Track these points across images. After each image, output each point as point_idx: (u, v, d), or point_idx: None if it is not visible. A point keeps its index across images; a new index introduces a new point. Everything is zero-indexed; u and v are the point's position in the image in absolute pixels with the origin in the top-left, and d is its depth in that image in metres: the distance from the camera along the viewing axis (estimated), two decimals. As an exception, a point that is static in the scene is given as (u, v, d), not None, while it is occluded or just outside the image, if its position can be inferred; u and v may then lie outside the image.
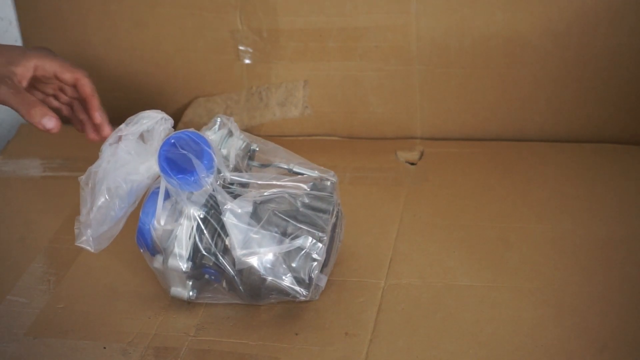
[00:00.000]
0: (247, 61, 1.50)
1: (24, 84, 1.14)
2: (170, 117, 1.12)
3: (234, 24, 1.48)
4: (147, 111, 1.12)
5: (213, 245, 1.11)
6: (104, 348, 1.12)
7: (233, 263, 1.10)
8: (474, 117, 1.47)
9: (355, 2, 1.43)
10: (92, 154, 1.12)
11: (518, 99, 1.44)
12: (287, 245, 1.09)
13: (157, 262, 1.13)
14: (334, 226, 1.14)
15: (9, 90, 1.11)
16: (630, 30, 1.37)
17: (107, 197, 1.09)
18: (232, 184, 1.12)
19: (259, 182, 1.12)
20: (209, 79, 1.53)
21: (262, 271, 1.09)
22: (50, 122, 1.11)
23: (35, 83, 1.19)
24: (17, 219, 1.36)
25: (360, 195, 1.35)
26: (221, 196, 1.09)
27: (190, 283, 1.14)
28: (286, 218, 1.11)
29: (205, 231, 1.10)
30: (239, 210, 1.09)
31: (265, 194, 1.12)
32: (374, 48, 1.45)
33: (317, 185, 1.14)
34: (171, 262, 1.11)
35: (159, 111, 1.11)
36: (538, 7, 1.38)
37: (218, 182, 1.10)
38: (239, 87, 1.52)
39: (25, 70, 1.14)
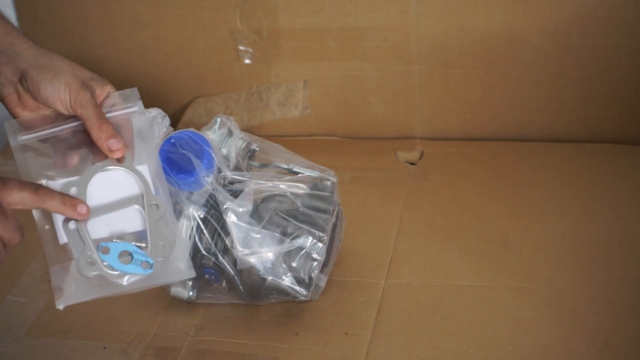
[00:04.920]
0: (247, 61, 1.50)
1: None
2: (166, 114, 1.11)
3: (234, 24, 1.48)
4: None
5: (213, 245, 1.11)
6: (104, 348, 1.12)
7: (233, 263, 1.10)
8: (474, 117, 1.47)
9: (355, 2, 1.43)
10: (92, 153, 1.12)
11: (518, 99, 1.44)
12: (288, 245, 1.09)
13: (157, 262, 1.13)
14: (334, 226, 1.14)
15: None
16: (629, 30, 1.37)
17: None
18: (232, 183, 1.12)
19: (259, 182, 1.12)
20: (209, 79, 1.53)
21: (262, 271, 1.09)
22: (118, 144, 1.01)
23: None
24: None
25: (360, 195, 1.35)
26: (222, 196, 1.09)
27: (190, 283, 1.14)
28: (287, 217, 1.11)
29: (205, 231, 1.10)
30: (240, 210, 1.10)
31: (265, 193, 1.12)
32: (374, 48, 1.45)
33: (317, 185, 1.14)
34: (171, 262, 1.11)
35: (155, 108, 1.11)
36: (538, 7, 1.38)
37: (218, 182, 1.10)
38: (239, 87, 1.52)
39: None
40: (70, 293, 0.98)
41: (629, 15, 1.37)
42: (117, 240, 0.99)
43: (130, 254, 0.98)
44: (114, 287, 0.99)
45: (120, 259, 0.98)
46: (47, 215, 0.99)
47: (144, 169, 1.01)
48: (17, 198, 0.95)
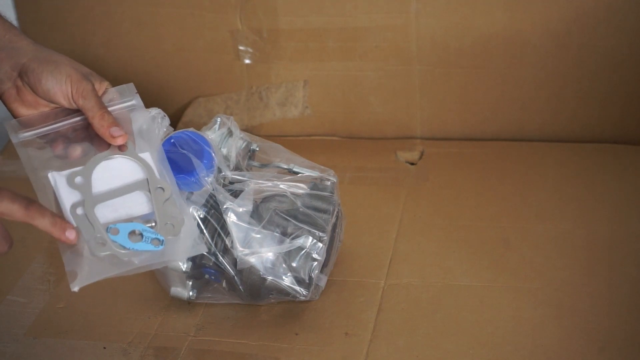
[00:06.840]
0: (247, 61, 1.50)
1: None
2: (166, 114, 1.11)
3: (234, 24, 1.48)
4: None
5: (213, 245, 1.11)
6: (104, 348, 1.12)
7: (233, 263, 1.10)
8: (474, 117, 1.47)
9: (355, 2, 1.43)
10: (92, 153, 1.12)
11: (518, 99, 1.44)
12: (288, 245, 1.09)
13: (157, 262, 1.13)
14: (334, 226, 1.14)
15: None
16: (630, 30, 1.37)
17: None
18: (232, 183, 1.12)
19: (259, 182, 1.12)
20: (209, 79, 1.53)
21: (262, 271, 1.09)
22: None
23: None
24: (17, 219, 1.36)
25: (360, 195, 1.35)
26: (222, 196, 1.09)
27: (190, 283, 1.14)
28: (287, 217, 1.11)
29: (205, 231, 1.10)
30: (240, 209, 1.10)
31: (265, 193, 1.12)
32: (374, 48, 1.45)
33: (317, 185, 1.14)
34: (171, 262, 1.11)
35: (155, 108, 1.11)
36: (538, 7, 1.38)
37: (218, 182, 1.10)
38: (239, 87, 1.52)
39: None
40: (84, 274, 0.99)
41: (629, 15, 1.37)
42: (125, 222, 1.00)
43: (140, 233, 0.99)
44: (126, 265, 0.99)
45: (131, 238, 0.98)
46: (55, 203, 1.00)
47: (146, 156, 1.02)
48: (6, 209, 0.94)
